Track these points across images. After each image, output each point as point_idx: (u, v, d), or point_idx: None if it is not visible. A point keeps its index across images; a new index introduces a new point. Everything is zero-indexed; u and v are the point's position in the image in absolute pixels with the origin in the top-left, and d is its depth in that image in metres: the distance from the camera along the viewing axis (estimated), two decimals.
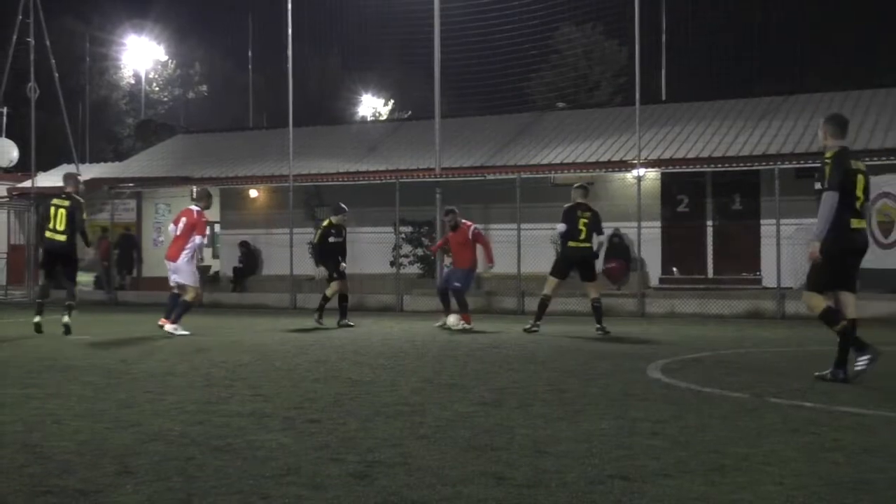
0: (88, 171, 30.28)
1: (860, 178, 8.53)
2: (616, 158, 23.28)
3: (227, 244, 28.60)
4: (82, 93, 43.93)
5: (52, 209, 14.01)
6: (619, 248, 23.37)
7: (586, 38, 44.77)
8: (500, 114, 30.43)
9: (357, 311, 21.42)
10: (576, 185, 15.31)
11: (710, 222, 23.78)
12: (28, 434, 6.04)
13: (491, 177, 23.38)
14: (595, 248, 14.83)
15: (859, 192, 8.49)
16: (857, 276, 8.83)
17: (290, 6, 24.53)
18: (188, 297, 14.40)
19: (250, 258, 27.26)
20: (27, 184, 29.37)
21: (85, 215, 14.20)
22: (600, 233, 14.88)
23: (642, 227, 20.97)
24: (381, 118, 60.61)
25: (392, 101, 66.79)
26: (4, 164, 28.97)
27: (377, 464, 5.19)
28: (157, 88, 59.11)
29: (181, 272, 14.34)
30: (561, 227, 14.65)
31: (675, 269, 23.44)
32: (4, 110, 27.97)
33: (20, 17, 26.68)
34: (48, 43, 26.47)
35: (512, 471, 5.03)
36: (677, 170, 22.47)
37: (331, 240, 16.56)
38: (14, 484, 4.75)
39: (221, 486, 4.72)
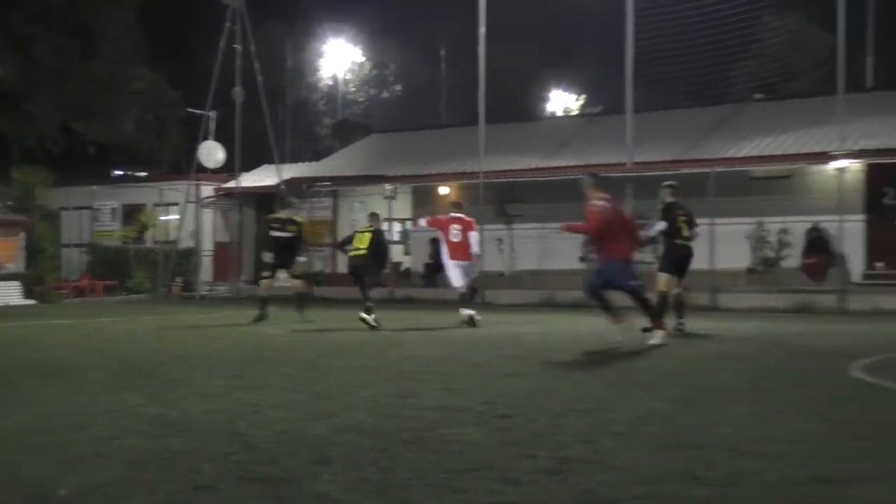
0: (288, 171, 31.42)
1: None
2: (817, 150, 22.38)
3: (419, 241, 29.08)
4: (283, 95, 45.57)
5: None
6: (819, 243, 22.50)
7: (790, 26, 43.10)
8: (695, 107, 29.77)
9: (548, 307, 21.43)
10: (665, 183, 14.62)
11: None
12: (233, 423, 6.31)
13: (685, 171, 22.88)
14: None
15: None
16: None
17: (483, 3, 24.73)
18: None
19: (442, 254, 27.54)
20: (232, 184, 30.72)
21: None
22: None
23: (844, 221, 20.10)
24: (572, 113, 60.28)
25: (584, 95, 66.27)
26: (211, 165, 30.34)
27: (569, 460, 5.16)
28: (353, 89, 60.69)
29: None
30: (661, 225, 14.04)
31: (880, 263, 22.32)
32: (213, 114, 29.33)
33: (228, 23, 27.93)
34: (253, 48, 27.59)
35: (708, 470, 4.90)
36: (884, 160, 21.39)
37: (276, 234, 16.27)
38: (222, 470, 4.97)
39: (415, 478, 4.80)
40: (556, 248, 24.00)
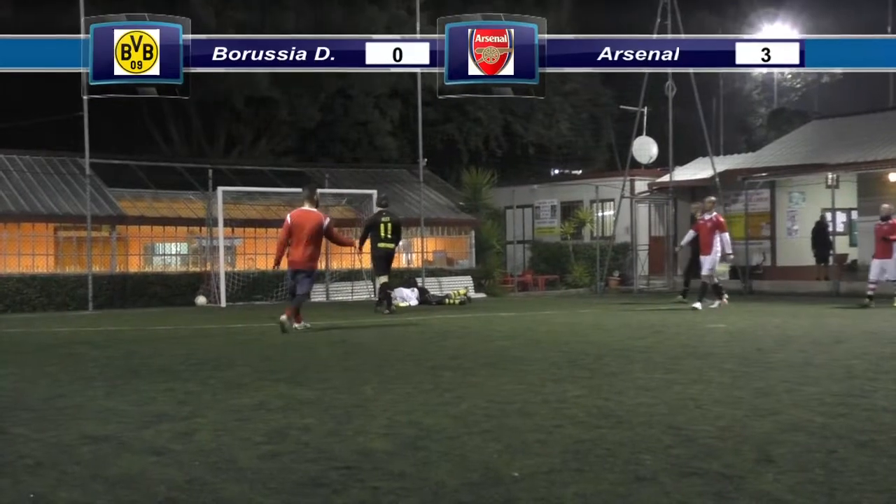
0: (722, 163, 30.84)
1: None
2: None
3: (866, 232, 27.31)
4: (716, 87, 44.81)
5: None
6: None
7: None
8: None
9: None
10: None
11: None
12: (672, 416, 6.31)
13: None
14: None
15: None
16: None
17: None
18: None
19: None
20: (665, 178, 30.72)
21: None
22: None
23: None
24: None
25: None
26: (645, 160, 30.62)
27: None
28: (789, 76, 58.34)
29: None
30: None
31: None
32: (645, 109, 29.54)
33: (658, 19, 27.98)
34: None
35: None
36: None
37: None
38: (662, 463, 5.00)
39: (866, 483, 4.53)
40: None
